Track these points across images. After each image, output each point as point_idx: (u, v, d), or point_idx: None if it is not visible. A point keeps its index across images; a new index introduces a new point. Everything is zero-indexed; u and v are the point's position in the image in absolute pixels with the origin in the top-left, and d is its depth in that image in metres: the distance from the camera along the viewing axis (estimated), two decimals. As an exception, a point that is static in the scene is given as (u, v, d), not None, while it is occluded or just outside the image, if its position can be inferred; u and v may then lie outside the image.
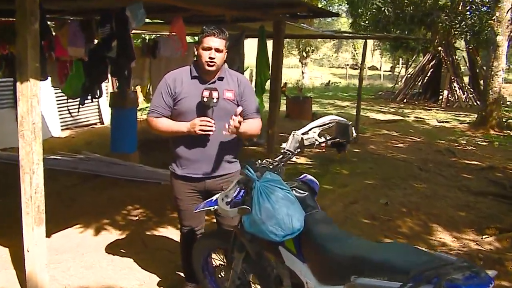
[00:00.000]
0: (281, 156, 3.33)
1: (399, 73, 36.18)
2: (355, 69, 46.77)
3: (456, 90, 23.22)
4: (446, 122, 17.68)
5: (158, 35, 10.04)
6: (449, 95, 23.34)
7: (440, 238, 6.09)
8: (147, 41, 9.85)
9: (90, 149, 10.05)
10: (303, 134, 3.37)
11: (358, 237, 3.00)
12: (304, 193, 3.12)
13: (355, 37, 15.81)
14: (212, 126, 3.55)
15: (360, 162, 10.28)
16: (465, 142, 13.38)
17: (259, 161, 3.24)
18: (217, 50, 3.58)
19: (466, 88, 23.68)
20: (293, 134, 3.34)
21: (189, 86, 3.70)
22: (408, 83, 25.56)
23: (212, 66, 3.61)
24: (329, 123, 3.42)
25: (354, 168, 9.63)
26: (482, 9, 20.48)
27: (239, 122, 3.43)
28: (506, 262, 5.42)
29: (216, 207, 3.34)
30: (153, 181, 7.88)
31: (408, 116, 18.93)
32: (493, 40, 14.78)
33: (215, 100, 3.55)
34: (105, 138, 10.29)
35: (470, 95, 23.55)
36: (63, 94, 9.25)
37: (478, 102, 23.21)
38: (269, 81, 7.91)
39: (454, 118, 18.73)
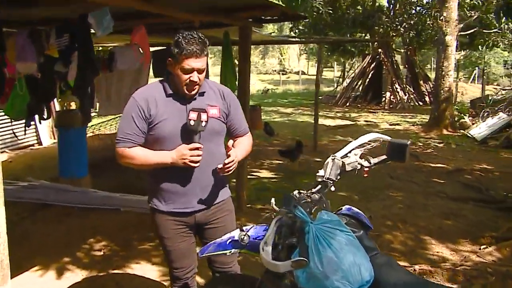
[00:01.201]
0: (319, 187, 2.72)
1: (339, 77, 36.26)
2: (284, 74, 47.44)
3: (398, 92, 23.36)
4: (397, 124, 17.67)
5: (112, 46, 9.22)
6: (392, 97, 23.44)
7: (437, 252, 5.74)
8: (101, 53, 9.00)
9: (33, 174, 9.02)
10: (343, 157, 2.77)
11: (435, 283, 2.44)
12: (359, 231, 2.51)
13: (322, 41, 15.35)
14: (201, 156, 2.98)
15: (326, 172, 9.76)
16: (423, 144, 13.28)
17: (296, 193, 2.65)
18: (200, 70, 2.97)
19: (407, 89, 23.84)
20: (333, 159, 2.74)
21: (166, 106, 3.06)
22: (349, 87, 25.53)
23: (194, 90, 3.03)
24: (371, 142, 2.84)
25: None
26: (422, 10, 20.58)
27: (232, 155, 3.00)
28: None
29: (233, 251, 2.76)
30: (111, 208, 7.11)
31: (358, 120, 18.79)
32: (442, 40, 14.73)
33: (203, 124, 2.95)
34: (47, 161, 9.52)
35: (411, 96, 23.76)
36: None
37: (420, 103, 23.54)
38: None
39: (403, 120, 18.78)
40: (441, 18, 14.35)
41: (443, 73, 14.78)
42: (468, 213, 7.14)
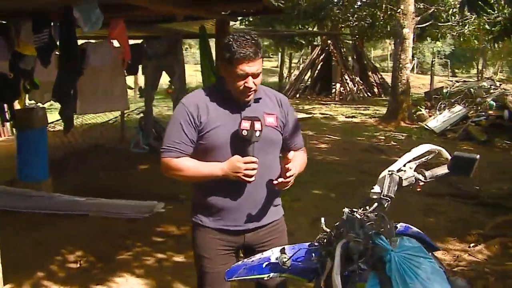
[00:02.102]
0: (376, 205, 2.45)
1: (277, 67, 36.19)
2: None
3: (347, 83, 23.44)
4: (353, 117, 17.64)
5: (84, 42, 8.66)
6: (342, 88, 23.50)
7: None
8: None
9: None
10: (398, 171, 2.51)
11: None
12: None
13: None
14: (256, 169, 2.64)
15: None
16: (383, 137, 13.29)
17: (348, 211, 2.40)
18: (255, 75, 2.66)
19: (356, 80, 23.96)
20: (391, 174, 2.47)
21: (218, 113, 2.74)
22: (299, 78, 25.45)
23: (249, 96, 2.72)
24: (426, 154, 2.60)
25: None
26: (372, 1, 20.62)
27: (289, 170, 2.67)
28: None
29: (272, 275, 2.44)
30: (79, 213, 6.61)
31: (313, 113, 18.65)
32: (399, 33, 14.78)
33: (257, 134, 2.62)
34: (2, 162, 8.82)
35: (361, 87, 23.90)
36: None
37: (369, 94, 23.72)
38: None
39: (358, 112, 18.78)
40: (399, 11, 14.39)
41: (401, 65, 14.87)
42: (447, 209, 7.09)
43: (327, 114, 18.15)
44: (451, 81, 20.64)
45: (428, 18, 17.66)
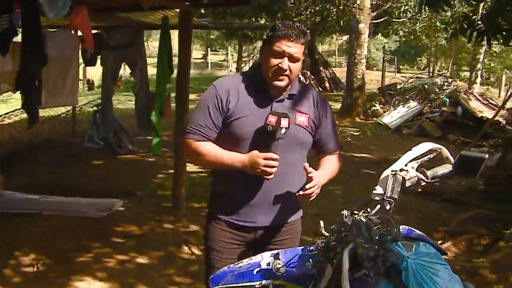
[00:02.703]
0: (379, 207, 2.31)
1: (224, 60, 36.05)
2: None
3: (299, 78, 23.34)
4: (307, 112, 17.46)
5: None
6: (293, 83, 23.45)
7: None
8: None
9: None
10: (401, 171, 2.38)
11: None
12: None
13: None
14: (276, 167, 2.48)
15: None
16: (339, 133, 13.24)
17: (347, 213, 2.22)
18: (292, 58, 2.52)
19: (308, 75, 23.96)
20: (394, 174, 2.33)
21: (249, 102, 2.62)
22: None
23: (282, 80, 2.55)
24: (427, 153, 2.47)
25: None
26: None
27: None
28: (482, 270, 5.09)
29: (264, 282, 2.28)
30: (32, 212, 6.21)
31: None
32: (355, 28, 14.80)
33: (283, 131, 2.47)
34: None
35: (312, 82, 23.91)
36: None
37: (320, 89, 23.78)
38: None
39: (311, 107, 18.61)
40: (355, 5, 14.41)
41: (356, 60, 14.91)
42: (415, 206, 7.07)
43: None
44: (405, 77, 20.93)
45: (382, 14, 17.82)
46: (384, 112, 15.58)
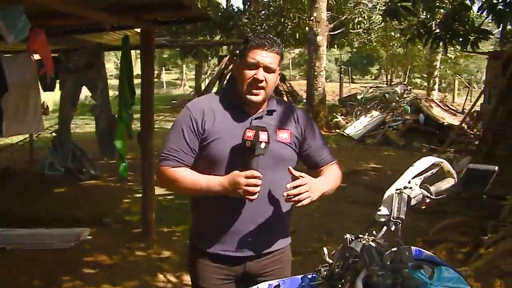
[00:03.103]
0: (385, 229, 2.16)
1: (179, 79, 35.86)
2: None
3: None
4: (268, 126, 17.44)
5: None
6: (251, 97, 23.40)
7: None
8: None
9: None
10: (405, 189, 2.23)
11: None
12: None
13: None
14: (259, 186, 2.25)
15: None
16: (304, 146, 13.21)
17: (350, 237, 2.10)
18: (268, 69, 2.36)
19: (266, 90, 23.93)
20: (399, 192, 2.17)
21: (226, 121, 2.44)
22: (207, 89, 25.08)
23: (258, 94, 2.38)
24: (430, 168, 2.33)
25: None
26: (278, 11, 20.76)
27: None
28: (465, 279, 4.94)
29: None
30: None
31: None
32: (313, 40, 14.80)
33: (262, 146, 2.26)
34: None
35: (271, 97, 23.92)
36: None
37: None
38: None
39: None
40: (312, 18, 14.43)
41: (316, 73, 14.93)
42: (389, 217, 6.98)
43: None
44: (364, 87, 21.08)
45: (339, 26, 17.95)
46: (347, 123, 15.62)
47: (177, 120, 2.50)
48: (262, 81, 2.34)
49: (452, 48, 7.84)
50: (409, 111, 14.04)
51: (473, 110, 12.50)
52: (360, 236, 2.15)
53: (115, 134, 6.47)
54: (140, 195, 7.65)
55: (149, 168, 6.28)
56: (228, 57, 24.62)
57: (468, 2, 7.20)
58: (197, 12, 5.88)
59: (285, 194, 2.24)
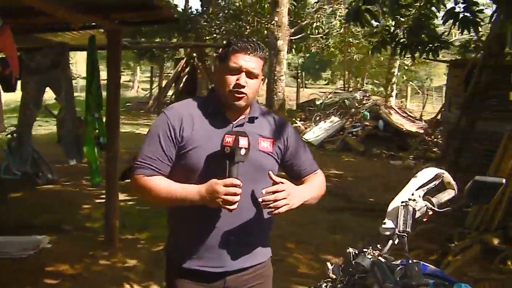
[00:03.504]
0: (390, 243, 2.08)
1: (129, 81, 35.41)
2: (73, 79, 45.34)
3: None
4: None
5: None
6: (208, 101, 23.24)
7: None
8: None
9: None
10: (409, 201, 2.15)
11: None
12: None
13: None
14: (239, 195, 2.12)
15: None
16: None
17: (353, 251, 2.05)
18: (250, 74, 2.27)
19: (221, 92, 23.79)
20: (405, 205, 2.10)
21: (206, 128, 2.31)
22: (163, 92, 24.82)
23: (240, 99, 2.27)
24: (433, 179, 2.26)
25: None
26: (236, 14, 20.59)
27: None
28: None
29: None
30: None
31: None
32: (273, 44, 14.74)
33: (242, 152, 2.13)
34: None
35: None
36: None
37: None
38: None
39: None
40: (273, 22, 14.37)
41: (276, 77, 14.87)
42: (350, 223, 7.05)
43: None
44: (324, 92, 21.19)
45: (299, 31, 17.98)
46: (306, 128, 15.62)
47: (153, 126, 2.38)
48: (244, 86, 2.25)
49: (410, 55, 7.86)
50: (369, 117, 14.18)
51: (434, 117, 12.71)
52: (364, 250, 2.07)
53: (80, 137, 6.23)
54: (101, 200, 7.48)
55: (113, 172, 6.08)
56: (184, 59, 24.44)
57: (434, 10, 7.29)
58: (167, 13, 5.73)
59: (260, 199, 2.15)
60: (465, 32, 7.13)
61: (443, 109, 11.47)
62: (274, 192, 2.14)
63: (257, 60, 2.28)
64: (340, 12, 17.42)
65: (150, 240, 6.28)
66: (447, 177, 2.34)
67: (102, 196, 8.02)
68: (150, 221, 6.90)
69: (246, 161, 2.17)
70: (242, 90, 2.24)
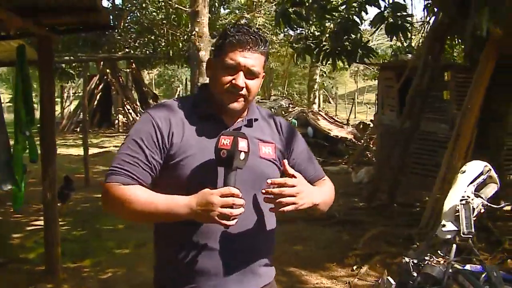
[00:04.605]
0: (455, 247, 1.85)
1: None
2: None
3: (130, 113, 22.64)
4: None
5: None
6: (125, 119, 22.64)
7: (317, 283, 5.28)
8: None
9: None
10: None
11: None
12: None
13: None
14: (241, 207, 1.74)
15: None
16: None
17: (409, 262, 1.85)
18: (249, 73, 1.90)
19: (138, 109, 23.23)
20: (466, 203, 1.87)
21: (198, 134, 1.93)
22: (76, 111, 23.88)
23: (236, 101, 1.92)
24: (482, 174, 2.05)
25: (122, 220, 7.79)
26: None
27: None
28: None
29: None
30: None
31: (105, 146, 17.63)
32: (195, 56, 14.34)
33: (242, 156, 1.76)
34: None
35: (143, 116, 23.35)
36: None
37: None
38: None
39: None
40: (193, 33, 13.99)
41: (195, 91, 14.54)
42: (308, 233, 6.86)
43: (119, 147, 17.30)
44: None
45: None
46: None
47: (134, 128, 1.97)
48: (242, 88, 1.90)
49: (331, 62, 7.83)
50: (297, 124, 14.13)
51: (358, 122, 12.88)
52: (426, 258, 1.82)
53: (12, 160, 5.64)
54: (30, 227, 6.92)
55: (52, 196, 5.51)
56: (97, 76, 23.63)
57: (356, 19, 7.36)
58: (106, 17, 5.29)
59: (263, 190, 1.79)
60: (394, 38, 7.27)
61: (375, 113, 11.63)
62: (281, 186, 1.78)
63: (258, 56, 1.92)
64: (258, 22, 17.36)
65: (94, 266, 5.80)
66: (492, 171, 2.15)
67: (32, 223, 7.44)
68: (91, 246, 6.43)
69: (245, 168, 1.81)
70: (240, 92, 1.91)
